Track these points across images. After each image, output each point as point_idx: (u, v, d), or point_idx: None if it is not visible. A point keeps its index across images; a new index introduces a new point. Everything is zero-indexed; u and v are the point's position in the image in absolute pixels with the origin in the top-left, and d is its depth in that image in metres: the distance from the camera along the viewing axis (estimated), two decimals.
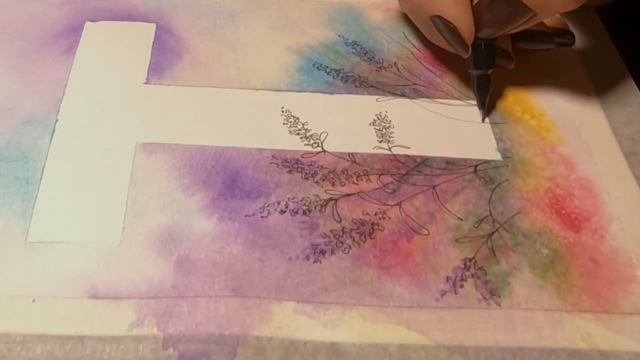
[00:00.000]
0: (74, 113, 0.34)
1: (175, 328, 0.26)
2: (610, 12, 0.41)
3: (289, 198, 0.31)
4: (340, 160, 0.33)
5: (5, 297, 0.27)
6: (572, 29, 0.37)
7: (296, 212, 0.31)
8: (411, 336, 0.27)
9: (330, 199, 0.31)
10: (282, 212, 0.31)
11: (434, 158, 0.33)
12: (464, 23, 0.32)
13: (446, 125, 0.35)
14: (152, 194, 0.31)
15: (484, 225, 0.31)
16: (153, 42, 0.38)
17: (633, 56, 0.39)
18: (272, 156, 0.33)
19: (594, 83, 0.37)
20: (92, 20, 0.38)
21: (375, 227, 0.30)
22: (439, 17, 0.32)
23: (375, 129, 0.34)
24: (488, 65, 0.35)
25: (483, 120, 0.35)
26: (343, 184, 0.32)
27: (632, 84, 0.38)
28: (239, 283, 0.28)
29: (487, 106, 0.35)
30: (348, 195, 0.31)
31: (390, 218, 0.31)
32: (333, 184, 0.32)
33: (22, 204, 0.30)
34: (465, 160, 0.33)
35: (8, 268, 0.28)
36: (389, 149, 0.33)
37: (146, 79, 0.36)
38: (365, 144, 0.34)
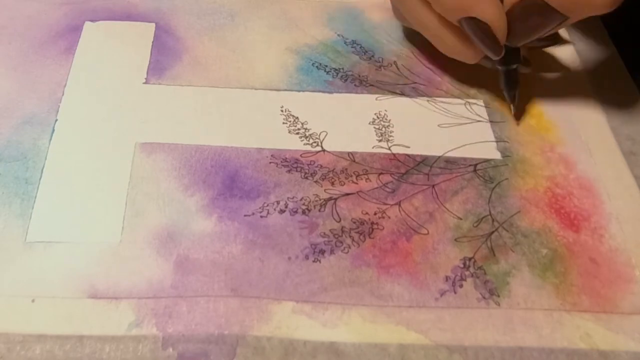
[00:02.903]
0: (74, 113, 0.34)
1: (175, 328, 0.26)
2: (610, 12, 0.41)
3: (288, 198, 0.31)
4: (339, 159, 0.33)
5: (5, 297, 0.27)
6: (572, 29, 0.37)
7: (295, 212, 0.31)
8: (410, 336, 0.27)
9: (330, 199, 0.31)
10: (282, 211, 0.31)
11: (434, 157, 0.33)
12: (501, 23, 0.31)
13: (446, 124, 0.35)
14: (152, 193, 0.31)
15: (483, 225, 0.31)
16: (152, 42, 0.38)
17: (633, 56, 0.39)
18: (272, 156, 0.33)
19: (593, 83, 0.37)
20: (92, 20, 0.38)
21: (375, 226, 0.30)
22: (473, 18, 0.31)
23: (374, 128, 0.34)
24: (515, 60, 0.34)
25: (516, 118, 0.35)
26: (342, 183, 0.32)
27: (632, 84, 0.38)
28: (238, 283, 0.28)
29: (517, 102, 0.35)
30: (347, 194, 0.31)
31: (389, 217, 0.31)
32: (332, 184, 0.32)
33: (22, 204, 0.30)
34: (465, 159, 0.33)
35: (7, 268, 0.28)
36: (389, 148, 0.33)
37: (145, 78, 0.36)
38: (365, 143, 0.34)
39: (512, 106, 0.35)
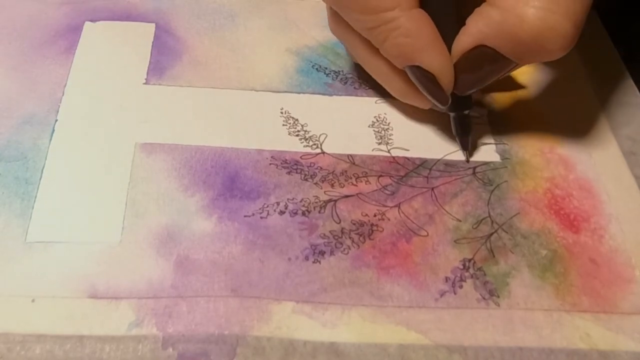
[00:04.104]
0: (74, 113, 0.34)
1: (175, 328, 0.26)
2: (610, 12, 0.41)
3: (288, 199, 0.31)
4: (339, 161, 0.33)
5: (5, 297, 0.27)
6: None
7: (295, 213, 0.31)
8: (410, 336, 0.27)
9: (330, 200, 0.31)
10: (282, 212, 0.31)
11: (433, 160, 0.33)
12: (446, 72, 0.30)
13: (445, 127, 0.35)
14: (152, 194, 0.31)
15: (482, 227, 0.31)
16: (153, 42, 0.38)
17: (633, 56, 0.39)
18: (272, 157, 0.33)
19: (593, 83, 0.38)
20: (92, 20, 0.38)
21: (374, 228, 0.30)
22: (418, 67, 0.30)
23: (374, 130, 0.34)
24: (466, 105, 0.33)
25: (468, 161, 0.33)
26: (342, 185, 0.32)
27: (631, 84, 0.38)
28: (238, 283, 0.28)
29: (470, 148, 0.34)
30: (347, 196, 0.31)
31: (389, 219, 0.31)
32: (332, 185, 0.32)
33: (22, 204, 0.30)
34: (464, 162, 0.33)
35: (7, 268, 0.28)
36: (388, 151, 0.33)
37: (146, 79, 0.36)
38: (364, 145, 0.34)
39: (465, 153, 0.33)
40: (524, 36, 0.28)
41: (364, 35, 0.32)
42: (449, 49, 0.31)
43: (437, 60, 0.30)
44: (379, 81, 0.35)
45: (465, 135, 0.33)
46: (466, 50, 0.30)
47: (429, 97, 0.32)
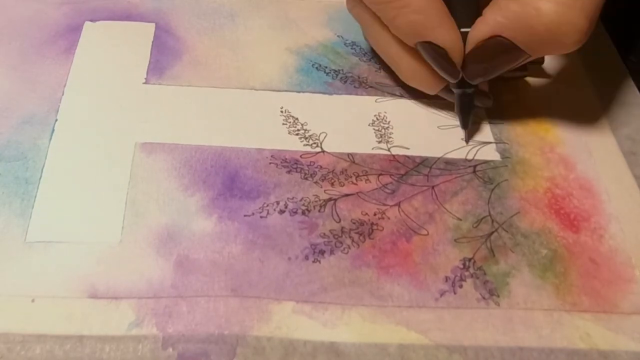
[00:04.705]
0: (74, 113, 0.34)
1: (175, 328, 0.26)
2: (610, 12, 0.41)
3: (288, 198, 0.31)
4: (339, 160, 0.33)
5: (5, 297, 0.27)
6: None
7: (295, 212, 0.31)
8: (410, 336, 0.27)
9: (330, 199, 0.31)
10: (282, 212, 0.31)
11: (433, 158, 0.33)
12: (457, 48, 0.31)
13: (445, 126, 0.35)
14: (152, 193, 0.31)
15: (483, 226, 0.31)
16: (152, 42, 0.38)
17: (633, 56, 0.39)
18: (272, 156, 0.33)
19: (593, 83, 0.37)
20: (92, 20, 0.38)
21: (375, 227, 0.30)
22: (429, 43, 0.31)
23: (374, 129, 0.34)
24: (471, 85, 0.33)
25: (467, 142, 0.34)
26: (342, 184, 0.32)
27: (632, 84, 0.38)
28: (238, 283, 0.28)
29: (470, 127, 0.34)
30: (347, 195, 0.31)
31: (389, 218, 0.31)
32: (332, 184, 0.32)
33: (22, 204, 0.30)
34: (465, 160, 0.33)
35: (7, 268, 0.28)
36: (388, 150, 0.33)
37: (145, 78, 0.36)
38: (365, 144, 0.34)
39: (465, 132, 0.34)
40: (540, 28, 0.29)
41: (376, 12, 0.33)
42: (463, 37, 0.32)
43: (447, 35, 0.31)
44: (388, 63, 0.35)
45: (467, 114, 0.34)
46: (482, 39, 0.31)
47: (441, 72, 0.32)
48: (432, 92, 0.34)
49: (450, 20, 0.32)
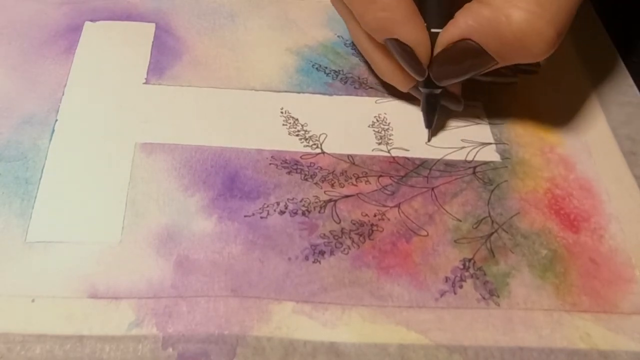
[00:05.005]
0: (74, 113, 0.34)
1: (175, 328, 0.26)
2: (610, 12, 0.41)
3: (288, 199, 0.31)
4: (339, 161, 0.33)
5: (5, 297, 0.27)
6: (571, 29, 0.37)
7: (295, 213, 0.31)
8: (410, 336, 0.27)
9: (330, 200, 0.31)
10: (282, 212, 0.31)
11: (433, 160, 0.33)
12: (423, 46, 0.31)
13: (444, 127, 0.35)
14: (152, 194, 0.31)
15: (482, 226, 0.31)
16: (152, 42, 0.38)
17: (633, 56, 0.39)
18: (272, 157, 0.33)
19: (593, 83, 0.38)
20: (92, 20, 0.38)
21: (374, 228, 0.30)
22: (396, 40, 0.31)
23: (374, 130, 0.34)
24: (438, 85, 0.33)
25: (429, 140, 0.34)
26: (342, 185, 0.32)
27: (631, 84, 0.38)
28: (238, 283, 0.28)
29: (434, 128, 0.34)
30: (347, 196, 0.31)
31: (389, 219, 0.31)
32: (332, 185, 0.32)
33: (22, 204, 0.30)
34: (464, 161, 0.33)
35: (7, 268, 0.28)
36: (388, 151, 0.33)
37: (145, 79, 0.36)
38: (364, 145, 0.34)
39: (428, 131, 0.34)
40: (509, 36, 0.29)
41: (349, 8, 0.33)
42: (432, 39, 0.32)
43: (414, 33, 0.31)
44: (366, 58, 0.36)
45: (431, 114, 0.34)
46: (452, 41, 0.31)
47: (408, 69, 0.32)
48: (403, 89, 0.35)
49: (418, 18, 0.32)
